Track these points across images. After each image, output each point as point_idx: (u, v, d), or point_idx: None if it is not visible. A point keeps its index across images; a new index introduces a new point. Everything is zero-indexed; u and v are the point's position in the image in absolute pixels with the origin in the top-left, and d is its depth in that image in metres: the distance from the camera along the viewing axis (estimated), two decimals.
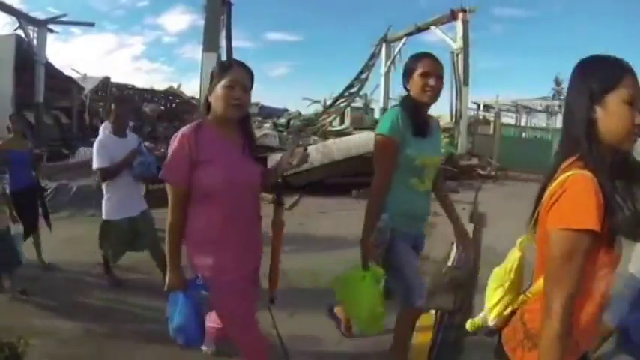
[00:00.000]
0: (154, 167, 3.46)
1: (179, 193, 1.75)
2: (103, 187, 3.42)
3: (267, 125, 17.45)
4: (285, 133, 14.24)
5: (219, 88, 1.73)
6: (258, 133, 11.17)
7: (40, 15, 14.97)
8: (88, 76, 20.24)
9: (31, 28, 14.15)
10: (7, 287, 3.43)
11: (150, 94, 25.96)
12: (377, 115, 22.52)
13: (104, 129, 3.48)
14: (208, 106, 1.82)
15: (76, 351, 2.69)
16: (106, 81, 20.97)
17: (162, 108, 25.07)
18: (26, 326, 2.83)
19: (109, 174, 3.32)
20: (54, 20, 15.00)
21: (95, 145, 3.35)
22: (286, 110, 28.08)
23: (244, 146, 1.85)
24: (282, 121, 19.76)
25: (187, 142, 1.71)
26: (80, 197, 6.76)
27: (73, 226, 5.55)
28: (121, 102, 3.43)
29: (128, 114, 3.70)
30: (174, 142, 1.74)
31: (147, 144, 4.06)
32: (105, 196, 3.44)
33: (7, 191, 3.88)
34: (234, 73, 1.75)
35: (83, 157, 8.74)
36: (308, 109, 24.45)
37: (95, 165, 3.32)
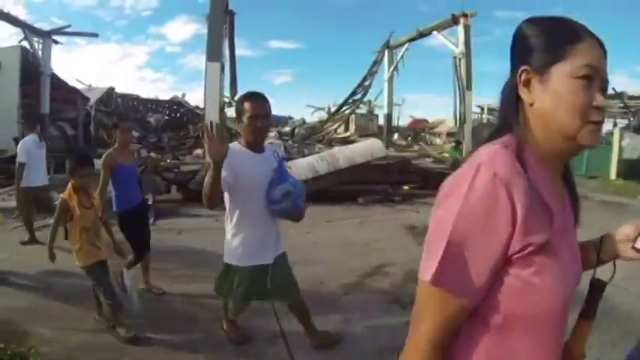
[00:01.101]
0: (303, 200, 2.47)
1: (457, 314, 0.77)
2: (225, 220, 2.53)
3: (271, 134, 17.47)
4: (290, 142, 14.24)
5: (562, 79, 0.77)
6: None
7: (44, 26, 15.14)
8: (92, 86, 20.43)
9: (35, 39, 14.30)
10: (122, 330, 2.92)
11: (154, 104, 26.23)
12: (381, 121, 22.55)
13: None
14: (515, 115, 0.86)
15: None
16: (110, 91, 21.17)
17: (167, 118, 25.32)
18: (37, 335, 2.84)
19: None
20: (58, 31, 15.20)
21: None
22: (290, 118, 28.18)
23: (573, 208, 0.93)
24: (287, 129, 19.79)
25: (510, 204, 0.72)
26: None
27: None
28: (261, 100, 2.41)
29: (269, 117, 2.51)
30: (468, 195, 0.73)
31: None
32: (227, 231, 2.51)
33: (114, 212, 3.43)
34: (592, 52, 0.78)
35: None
36: (312, 117, 24.51)
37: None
